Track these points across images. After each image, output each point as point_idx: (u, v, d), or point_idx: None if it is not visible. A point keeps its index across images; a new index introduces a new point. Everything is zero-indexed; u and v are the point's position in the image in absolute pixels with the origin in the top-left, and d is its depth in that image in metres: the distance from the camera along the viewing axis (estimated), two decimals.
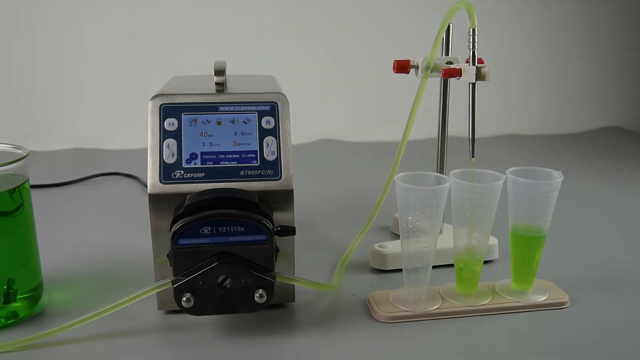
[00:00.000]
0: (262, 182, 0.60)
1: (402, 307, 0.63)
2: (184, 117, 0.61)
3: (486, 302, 0.65)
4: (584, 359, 0.56)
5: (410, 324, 0.62)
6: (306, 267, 0.73)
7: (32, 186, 1.10)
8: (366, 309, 0.65)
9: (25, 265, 0.62)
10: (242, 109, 0.62)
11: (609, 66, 1.79)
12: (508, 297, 0.66)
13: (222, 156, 0.60)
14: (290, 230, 0.57)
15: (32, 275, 0.64)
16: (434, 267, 0.66)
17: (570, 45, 1.75)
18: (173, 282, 0.55)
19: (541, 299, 0.65)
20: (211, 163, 0.60)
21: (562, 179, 0.63)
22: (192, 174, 0.59)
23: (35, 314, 0.63)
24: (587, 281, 0.72)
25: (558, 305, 0.65)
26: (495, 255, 0.78)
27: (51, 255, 0.77)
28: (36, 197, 1.04)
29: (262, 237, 0.55)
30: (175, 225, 0.55)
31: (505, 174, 0.63)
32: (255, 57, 1.55)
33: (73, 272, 0.74)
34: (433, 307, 0.64)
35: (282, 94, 0.63)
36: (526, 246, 0.65)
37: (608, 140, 1.62)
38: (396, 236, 0.87)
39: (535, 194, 0.62)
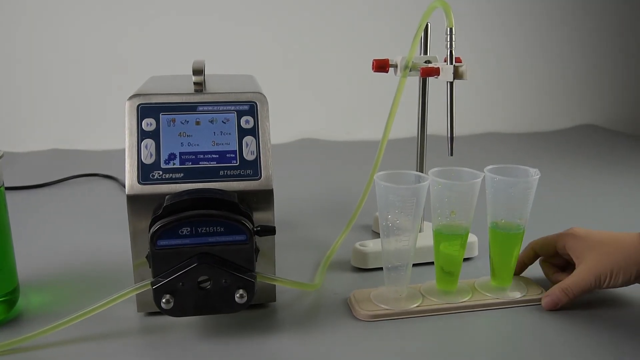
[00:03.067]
0: (242, 182, 0.59)
1: (383, 306, 0.64)
2: (162, 117, 0.60)
3: (466, 299, 0.65)
4: (562, 354, 0.56)
5: (391, 322, 0.62)
6: (287, 266, 0.73)
7: (9, 188, 1.09)
8: (347, 307, 0.65)
9: (1, 268, 0.61)
10: (221, 108, 0.61)
11: (586, 66, 1.82)
12: (487, 294, 0.66)
13: (201, 156, 0.60)
14: (270, 230, 0.57)
15: (7, 278, 0.62)
16: (414, 265, 0.66)
17: (548, 44, 1.77)
18: (152, 284, 0.54)
19: (519, 295, 0.66)
20: (190, 163, 0.59)
21: (538, 176, 0.63)
22: (170, 175, 0.59)
23: (11, 319, 0.62)
24: None
25: (536, 302, 0.66)
26: (475, 253, 0.79)
27: (28, 258, 0.76)
28: (13, 199, 1.02)
29: (242, 237, 0.55)
30: (154, 226, 0.54)
31: (484, 172, 0.64)
32: (234, 56, 1.54)
33: (50, 275, 0.73)
34: (414, 305, 0.64)
35: (261, 94, 0.63)
36: (505, 243, 0.66)
37: (584, 138, 1.65)
38: (377, 235, 0.87)
39: (513, 192, 0.63)
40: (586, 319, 0.63)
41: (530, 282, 0.70)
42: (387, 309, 0.63)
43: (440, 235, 0.64)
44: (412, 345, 0.58)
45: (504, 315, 0.64)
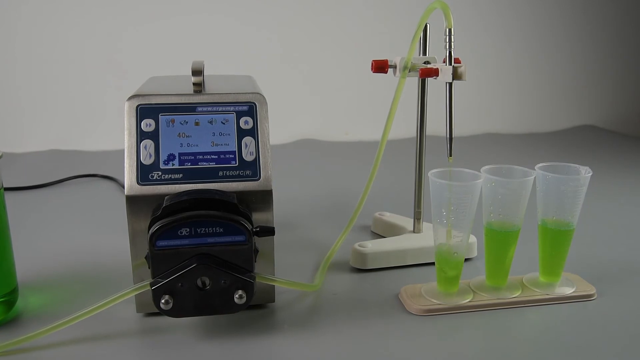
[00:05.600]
0: (241, 182, 0.59)
1: (435, 301, 0.64)
2: (161, 117, 0.60)
3: (516, 295, 0.66)
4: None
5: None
6: (286, 267, 0.73)
7: (8, 188, 1.09)
8: (346, 309, 0.65)
9: None
10: (220, 109, 0.61)
11: (585, 66, 1.82)
12: (537, 290, 0.67)
13: (201, 157, 0.60)
14: (269, 231, 0.57)
15: (6, 279, 0.62)
16: (414, 265, 0.66)
17: (547, 45, 1.77)
18: (151, 284, 0.54)
19: (569, 291, 0.67)
20: (189, 164, 0.59)
21: (590, 174, 0.64)
22: (170, 175, 0.59)
23: (10, 319, 0.62)
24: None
25: (586, 297, 0.67)
26: (474, 253, 0.79)
27: (27, 258, 0.76)
28: (12, 199, 1.02)
29: (241, 238, 0.55)
30: (153, 226, 0.54)
31: (535, 169, 0.65)
32: (233, 57, 1.54)
33: (49, 276, 0.73)
34: (465, 301, 0.64)
35: (260, 94, 0.63)
36: (555, 240, 0.66)
37: (584, 139, 1.65)
38: (376, 235, 0.87)
39: (565, 189, 0.64)
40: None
41: (578, 279, 0.70)
42: (440, 304, 0.64)
43: (491, 232, 0.65)
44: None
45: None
